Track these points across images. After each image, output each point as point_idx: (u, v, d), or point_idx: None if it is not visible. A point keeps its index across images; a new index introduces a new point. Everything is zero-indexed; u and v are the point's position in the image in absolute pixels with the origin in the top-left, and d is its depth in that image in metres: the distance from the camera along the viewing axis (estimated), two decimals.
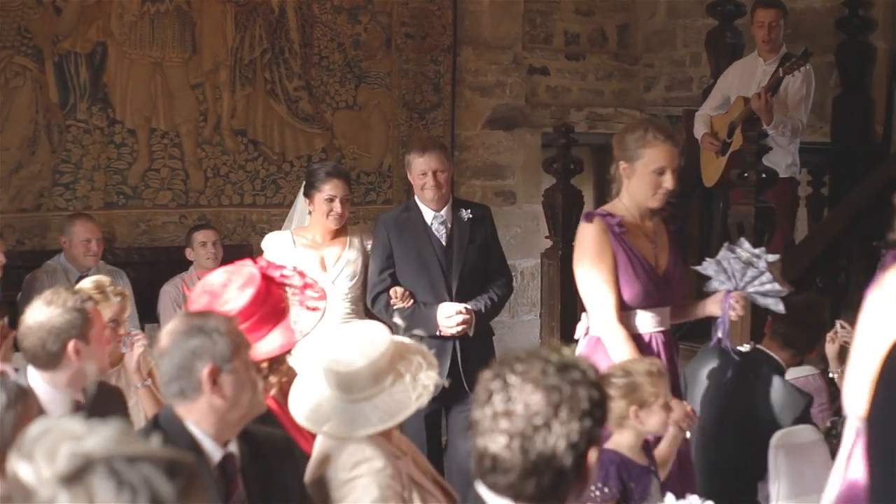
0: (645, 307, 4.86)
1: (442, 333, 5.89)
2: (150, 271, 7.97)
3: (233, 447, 3.14)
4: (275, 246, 6.11)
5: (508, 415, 2.09)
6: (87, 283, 4.97)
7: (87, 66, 8.01)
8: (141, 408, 4.89)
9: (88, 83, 8.02)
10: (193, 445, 3.05)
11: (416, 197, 6.16)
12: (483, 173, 9.57)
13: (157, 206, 8.36)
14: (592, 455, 2.10)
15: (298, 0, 8.73)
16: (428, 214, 6.08)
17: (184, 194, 8.44)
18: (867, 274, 5.90)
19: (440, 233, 6.07)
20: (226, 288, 3.79)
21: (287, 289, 3.98)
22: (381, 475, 3.30)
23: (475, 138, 9.56)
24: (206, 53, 8.43)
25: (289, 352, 3.86)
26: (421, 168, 5.97)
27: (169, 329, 3.12)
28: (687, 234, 8.51)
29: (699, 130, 7.95)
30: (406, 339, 3.77)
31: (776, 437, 4.91)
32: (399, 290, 5.98)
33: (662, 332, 4.93)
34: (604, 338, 4.81)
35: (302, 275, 4.07)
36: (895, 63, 8.30)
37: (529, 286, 9.41)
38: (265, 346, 3.72)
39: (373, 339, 3.48)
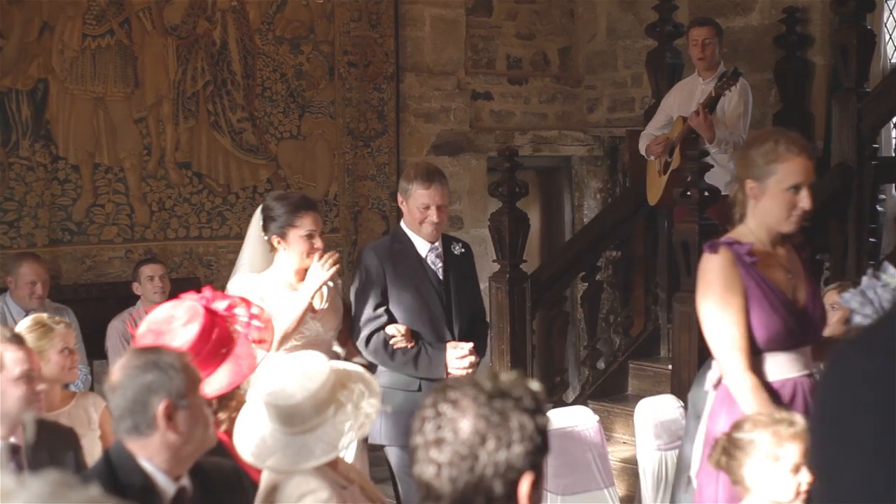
0: (785, 348, 4.24)
1: (449, 375, 5.38)
2: (97, 307, 7.90)
3: (185, 481, 3.13)
4: (262, 293, 5.22)
5: (438, 443, 2.10)
6: (24, 324, 4.93)
7: (29, 103, 7.97)
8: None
9: (30, 120, 7.98)
10: (146, 481, 3.04)
11: (403, 225, 5.71)
12: None
13: (103, 241, 8.31)
14: (525, 483, 2.09)
15: (240, 32, 8.74)
16: (422, 246, 5.64)
17: (129, 229, 8.40)
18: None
19: (436, 266, 5.65)
20: (169, 324, 3.77)
21: (234, 322, 3.97)
22: None
23: None
24: (149, 87, 8.41)
25: (238, 387, 3.85)
26: (423, 200, 5.50)
27: (122, 363, 3.10)
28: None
29: (643, 148, 8.02)
30: (348, 366, 3.75)
31: None
32: (401, 327, 5.47)
33: (807, 375, 4.27)
34: (732, 388, 4.19)
35: (248, 304, 4.06)
36: (833, 78, 8.38)
37: None
38: (214, 383, 3.71)
39: (312, 370, 3.46)
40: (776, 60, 8.80)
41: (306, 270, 5.35)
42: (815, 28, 8.82)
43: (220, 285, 8.27)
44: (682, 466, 4.87)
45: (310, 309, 5.29)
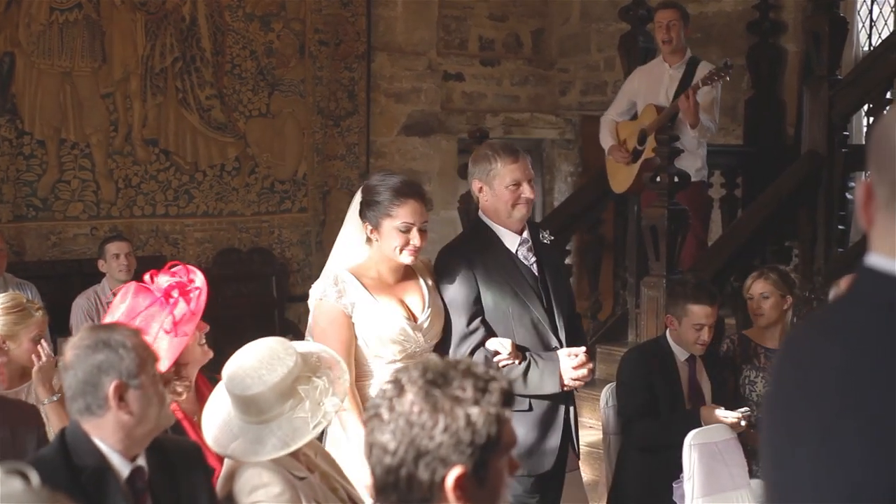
0: None
1: (565, 388, 4.63)
2: (61, 284, 7.83)
3: (141, 461, 3.08)
4: (340, 296, 4.43)
5: (377, 422, 2.09)
6: (2, 301, 4.87)
7: None
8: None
9: None
10: (101, 461, 3.00)
11: (483, 217, 4.79)
12: None
13: (68, 218, 8.24)
14: (451, 476, 2.05)
15: (210, 8, 8.66)
16: (510, 239, 4.72)
17: (95, 206, 8.32)
18: None
19: (529, 261, 4.73)
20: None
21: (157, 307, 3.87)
22: (278, 500, 3.25)
23: (391, 145, 9.54)
24: (117, 62, 8.33)
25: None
26: (515, 176, 4.61)
27: (73, 343, 3.04)
28: (603, 238, 8.56)
29: (605, 139, 7.96)
30: (324, 354, 3.65)
31: (690, 436, 4.92)
32: (506, 341, 4.57)
33: None
34: None
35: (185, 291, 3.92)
36: (805, 65, 8.38)
37: None
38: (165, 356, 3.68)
39: (275, 360, 3.39)
40: (749, 46, 8.80)
41: (403, 267, 4.54)
42: (788, 15, 8.82)
43: (186, 263, 8.26)
44: None
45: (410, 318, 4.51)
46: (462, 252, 4.71)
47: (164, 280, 3.87)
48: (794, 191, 7.45)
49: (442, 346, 4.64)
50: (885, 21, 8.86)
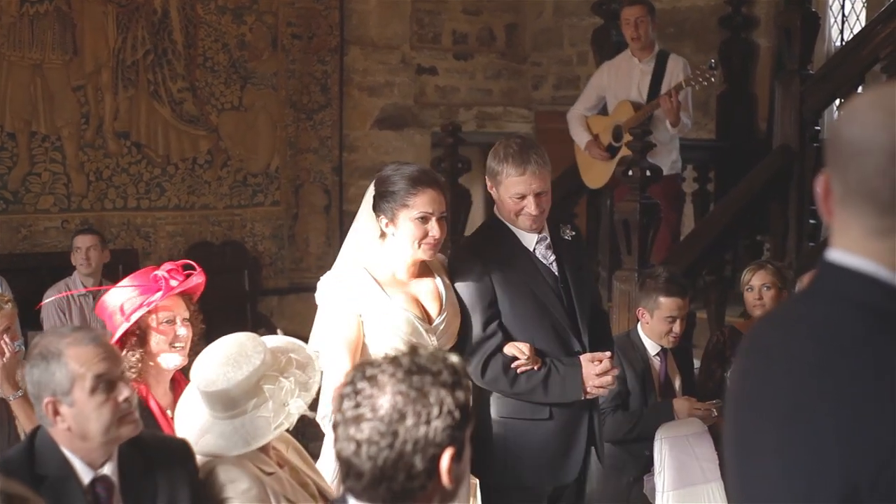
0: None
1: (588, 396, 4.39)
2: (32, 277, 7.78)
3: (108, 468, 3.03)
4: (350, 293, 4.17)
5: (357, 420, 2.08)
6: None
7: None
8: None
9: None
10: (63, 469, 2.96)
11: (498, 213, 4.54)
12: (372, 174, 9.32)
13: (39, 211, 8.20)
14: (445, 458, 2.07)
15: (182, 0, 8.62)
16: (527, 237, 4.47)
17: (66, 199, 8.28)
18: None
19: (548, 259, 4.48)
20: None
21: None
22: (246, 497, 3.24)
23: (364, 139, 9.52)
24: (88, 55, 8.29)
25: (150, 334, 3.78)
26: (518, 189, 4.37)
27: (30, 348, 3.02)
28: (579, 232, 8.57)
29: (579, 134, 7.94)
30: (298, 351, 3.60)
31: (661, 430, 4.93)
32: (524, 346, 4.31)
33: None
34: None
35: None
36: (777, 60, 8.41)
37: None
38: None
39: (242, 358, 3.35)
40: (721, 41, 8.80)
41: (419, 264, 4.28)
42: (761, 10, 8.85)
43: (157, 257, 8.24)
44: None
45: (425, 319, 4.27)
46: (476, 251, 4.46)
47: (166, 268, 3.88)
48: (766, 185, 7.47)
49: (456, 349, 4.26)
50: (857, 16, 8.90)
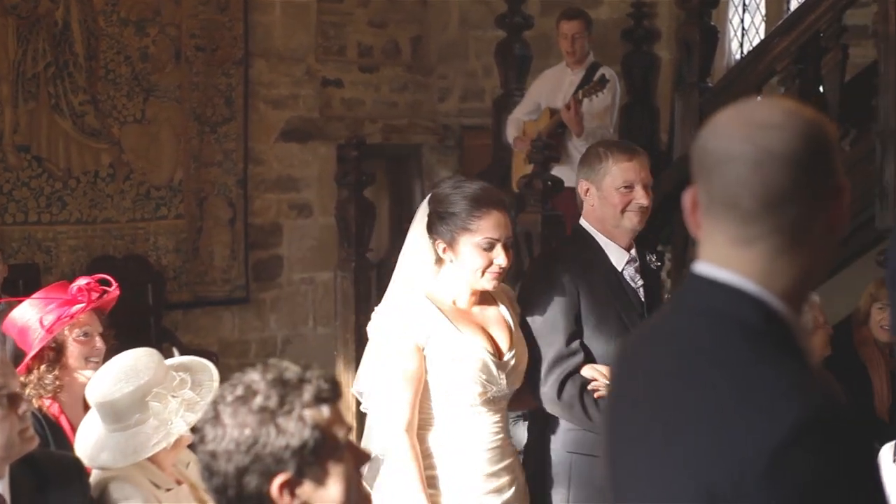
0: None
1: None
2: None
3: (1, 486, 3.00)
4: (412, 324, 3.81)
5: (203, 441, 2.12)
6: None
7: None
8: None
9: None
10: None
11: (586, 225, 4.18)
12: (278, 186, 9.49)
13: None
14: (275, 483, 2.07)
15: (83, 13, 8.52)
16: (617, 256, 4.12)
17: None
18: None
19: (636, 283, 4.13)
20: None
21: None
22: None
23: (269, 151, 9.48)
24: None
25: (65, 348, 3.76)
26: (627, 176, 4.04)
27: None
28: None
29: (511, 135, 8.05)
30: (197, 369, 3.59)
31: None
32: (604, 369, 3.90)
33: None
34: None
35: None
36: (678, 73, 8.53)
37: (326, 299, 9.36)
38: None
39: (132, 373, 3.38)
40: (623, 54, 8.91)
41: (478, 293, 3.91)
42: (663, 23, 8.98)
43: (58, 271, 8.13)
44: None
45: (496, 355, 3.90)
46: (567, 260, 4.12)
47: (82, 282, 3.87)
48: (668, 196, 7.56)
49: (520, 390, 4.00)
50: (757, 30, 9.07)
